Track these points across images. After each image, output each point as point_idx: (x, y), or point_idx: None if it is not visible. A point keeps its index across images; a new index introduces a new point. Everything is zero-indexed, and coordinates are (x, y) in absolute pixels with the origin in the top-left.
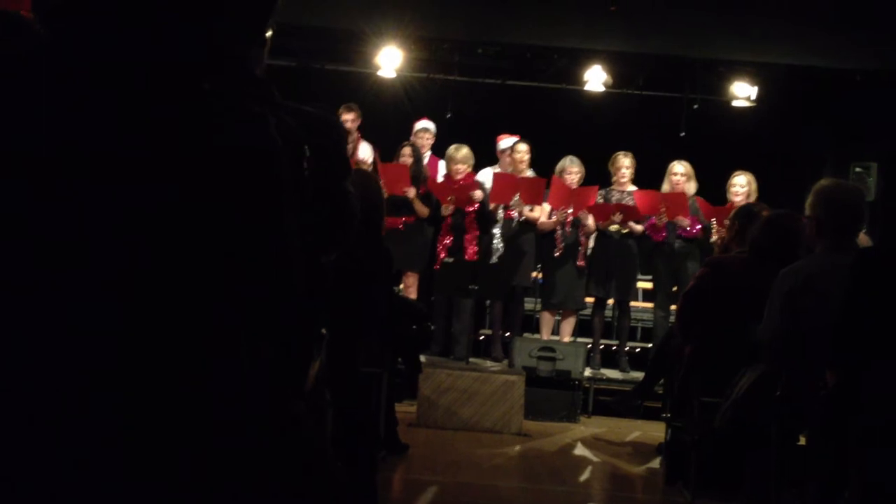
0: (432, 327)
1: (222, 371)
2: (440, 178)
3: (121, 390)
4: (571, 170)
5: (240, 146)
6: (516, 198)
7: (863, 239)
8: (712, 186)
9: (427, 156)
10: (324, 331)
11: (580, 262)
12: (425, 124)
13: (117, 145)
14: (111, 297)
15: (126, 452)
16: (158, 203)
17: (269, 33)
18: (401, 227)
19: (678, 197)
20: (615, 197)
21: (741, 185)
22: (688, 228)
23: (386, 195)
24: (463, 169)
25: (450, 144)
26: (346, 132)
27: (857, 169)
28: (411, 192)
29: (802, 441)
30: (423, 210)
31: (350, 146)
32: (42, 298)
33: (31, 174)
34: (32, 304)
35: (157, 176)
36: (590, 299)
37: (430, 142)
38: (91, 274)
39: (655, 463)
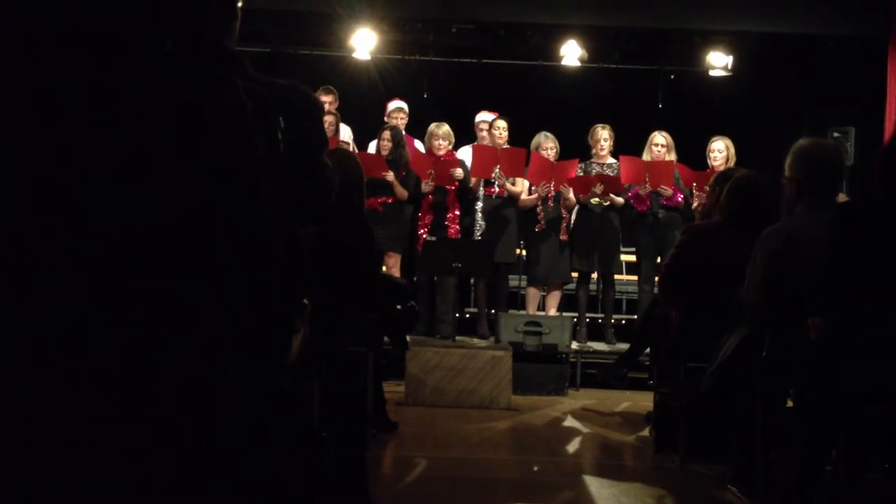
0: (417, 307)
1: (202, 341)
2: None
3: (98, 360)
4: (547, 145)
5: (208, 108)
6: (497, 170)
7: (842, 199)
8: (692, 155)
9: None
10: (306, 301)
11: (563, 237)
12: (399, 104)
13: (84, 109)
14: (84, 265)
15: (104, 424)
16: (126, 168)
17: (239, 3)
18: (379, 207)
19: (663, 165)
20: (595, 170)
21: (719, 150)
22: (671, 198)
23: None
24: (444, 146)
25: (427, 125)
26: (322, 105)
27: (836, 134)
28: (390, 176)
29: (789, 403)
30: (402, 193)
31: (331, 128)
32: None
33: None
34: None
35: (127, 140)
36: (574, 274)
37: (405, 121)
38: (58, 244)
39: (645, 431)
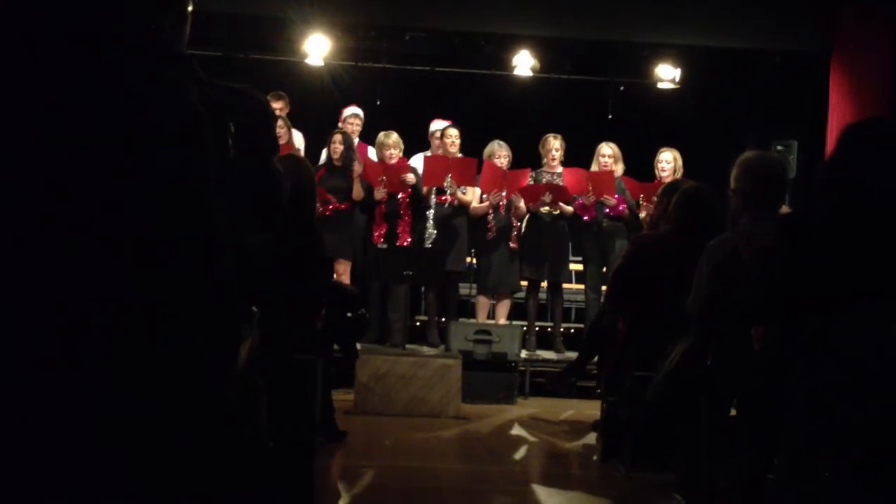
0: (367, 315)
1: (148, 351)
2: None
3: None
4: (500, 153)
5: (158, 112)
6: (448, 179)
7: (785, 210)
8: (641, 167)
9: (355, 142)
10: (254, 308)
11: (513, 245)
12: (354, 110)
13: (37, 116)
14: (53, 269)
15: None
16: (72, 175)
17: (190, 7)
18: (329, 213)
19: (605, 175)
20: (545, 178)
21: (667, 161)
22: (614, 208)
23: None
24: (395, 154)
25: (380, 132)
26: (273, 110)
27: (779, 147)
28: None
29: (733, 412)
30: (358, 192)
31: (281, 132)
32: None
33: None
34: None
35: (79, 146)
36: (523, 283)
37: (359, 128)
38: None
39: (591, 439)
